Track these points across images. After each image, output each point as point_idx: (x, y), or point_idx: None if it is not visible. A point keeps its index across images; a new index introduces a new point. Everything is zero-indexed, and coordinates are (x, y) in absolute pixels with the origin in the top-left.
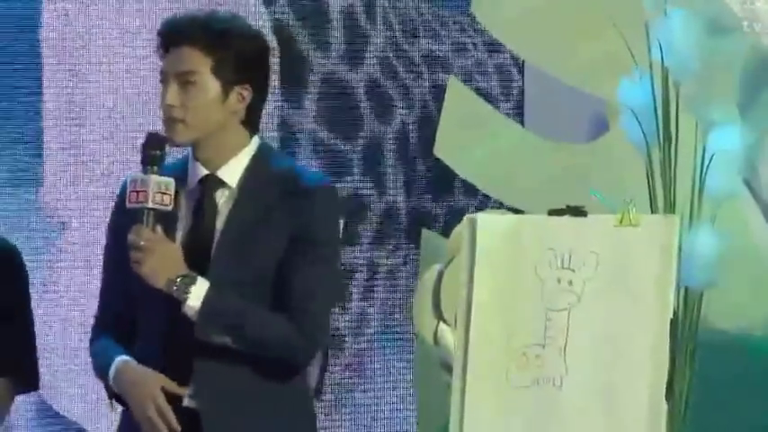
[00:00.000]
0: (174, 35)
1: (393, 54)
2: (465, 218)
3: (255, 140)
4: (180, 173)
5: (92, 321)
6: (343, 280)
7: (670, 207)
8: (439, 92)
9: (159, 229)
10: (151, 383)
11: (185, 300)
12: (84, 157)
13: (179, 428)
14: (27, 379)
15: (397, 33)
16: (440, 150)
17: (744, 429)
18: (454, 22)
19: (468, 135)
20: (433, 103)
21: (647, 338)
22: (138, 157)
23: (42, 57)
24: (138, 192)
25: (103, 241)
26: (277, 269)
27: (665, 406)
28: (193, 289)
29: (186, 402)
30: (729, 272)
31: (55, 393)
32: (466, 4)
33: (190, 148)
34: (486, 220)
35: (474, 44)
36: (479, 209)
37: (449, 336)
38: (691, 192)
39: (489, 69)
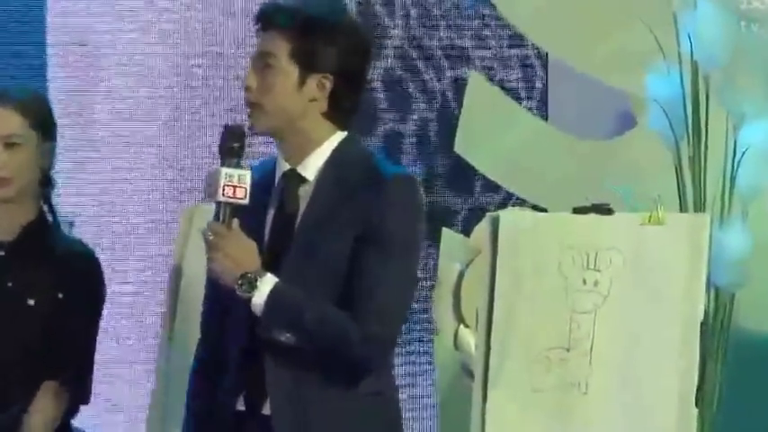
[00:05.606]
0: (262, 18)
1: (412, 47)
2: (486, 216)
3: (339, 134)
4: (272, 168)
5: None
6: (415, 277)
7: (700, 204)
8: (460, 86)
9: (235, 224)
10: None
11: (250, 297)
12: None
13: None
14: (81, 392)
15: (417, 26)
16: (460, 146)
17: None
18: (476, 14)
19: (490, 130)
20: (454, 97)
21: (676, 341)
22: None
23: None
24: (209, 185)
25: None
26: (348, 264)
27: (694, 411)
28: (258, 286)
29: (264, 410)
30: (761, 271)
31: None
32: None
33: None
34: (509, 219)
35: (496, 37)
36: (501, 206)
37: (469, 339)
38: (721, 188)
39: (512, 63)
